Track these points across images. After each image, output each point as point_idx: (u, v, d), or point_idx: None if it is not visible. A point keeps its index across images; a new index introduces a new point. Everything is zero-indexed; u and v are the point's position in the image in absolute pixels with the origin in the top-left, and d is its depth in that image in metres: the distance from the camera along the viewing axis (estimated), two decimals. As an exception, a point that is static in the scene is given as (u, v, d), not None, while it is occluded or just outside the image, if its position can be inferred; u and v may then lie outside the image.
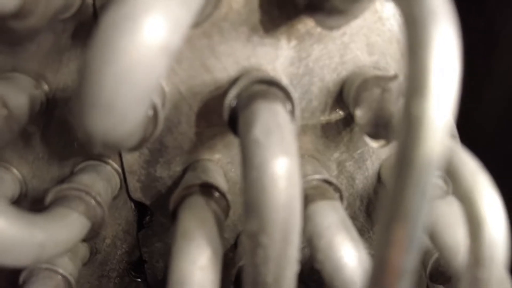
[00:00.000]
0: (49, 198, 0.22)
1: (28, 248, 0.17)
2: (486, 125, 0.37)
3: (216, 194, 0.22)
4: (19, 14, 0.16)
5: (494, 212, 0.14)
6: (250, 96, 0.18)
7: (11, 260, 0.17)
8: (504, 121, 0.36)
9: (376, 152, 0.25)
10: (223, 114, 0.19)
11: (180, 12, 0.13)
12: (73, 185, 0.22)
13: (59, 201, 0.21)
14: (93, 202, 0.22)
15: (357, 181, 0.26)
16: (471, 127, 0.26)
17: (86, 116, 0.13)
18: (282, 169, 0.16)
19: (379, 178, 0.26)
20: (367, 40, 0.23)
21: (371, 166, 0.26)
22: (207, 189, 0.22)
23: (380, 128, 0.19)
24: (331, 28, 0.19)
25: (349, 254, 0.19)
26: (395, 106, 0.19)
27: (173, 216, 0.22)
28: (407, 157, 0.10)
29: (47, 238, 0.18)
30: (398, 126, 0.10)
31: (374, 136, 0.20)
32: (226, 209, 0.22)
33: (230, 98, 0.19)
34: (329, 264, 0.19)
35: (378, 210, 0.28)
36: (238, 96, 0.19)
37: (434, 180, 0.10)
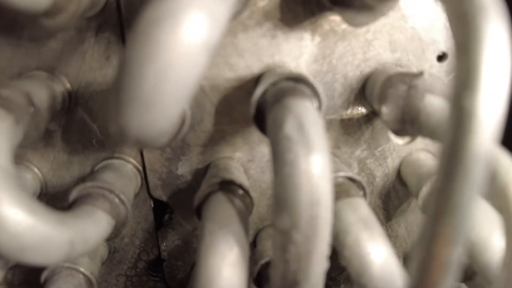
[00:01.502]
0: (72, 196, 0.22)
1: (58, 245, 0.17)
2: None
3: (240, 191, 0.22)
4: (51, 11, 0.16)
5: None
6: (279, 93, 0.18)
7: (42, 258, 0.17)
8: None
9: (397, 150, 0.25)
10: (250, 110, 0.19)
11: (219, 8, 0.13)
12: (97, 183, 0.22)
13: (83, 199, 0.21)
14: (117, 200, 0.22)
15: (377, 179, 0.26)
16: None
17: (123, 112, 0.13)
18: (315, 165, 0.16)
19: (399, 175, 0.26)
20: (390, 38, 0.23)
21: (392, 163, 0.26)
22: (231, 186, 0.22)
23: (406, 124, 0.19)
24: (359, 25, 0.19)
25: (376, 251, 0.19)
26: (422, 102, 0.19)
27: (197, 214, 0.22)
28: (456, 150, 0.10)
29: (76, 236, 0.18)
30: (447, 119, 0.10)
31: (400, 132, 0.20)
32: (250, 206, 0.22)
33: (258, 95, 0.19)
34: (356, 261, 0.19)
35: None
36: (265, 93, 0.19)
37: (483, 174, 0.10)
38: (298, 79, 0.19)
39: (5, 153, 0.17)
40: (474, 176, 0.10)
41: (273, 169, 0.16)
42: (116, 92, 0.13)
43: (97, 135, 0.24)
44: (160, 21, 0.12)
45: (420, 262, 0.11)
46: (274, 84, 0.19)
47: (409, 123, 0.19)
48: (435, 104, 0.18)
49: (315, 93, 0.19)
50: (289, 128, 0.16)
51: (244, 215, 0.21)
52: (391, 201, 0.27)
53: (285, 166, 0.16)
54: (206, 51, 0.13)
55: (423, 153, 0.26)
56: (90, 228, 0.20)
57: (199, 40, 0.13)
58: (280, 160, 0.16)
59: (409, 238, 0.29)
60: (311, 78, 0.19)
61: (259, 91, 0.19)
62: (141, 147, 0.23)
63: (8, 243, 0.16)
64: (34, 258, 0.17)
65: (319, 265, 0.17)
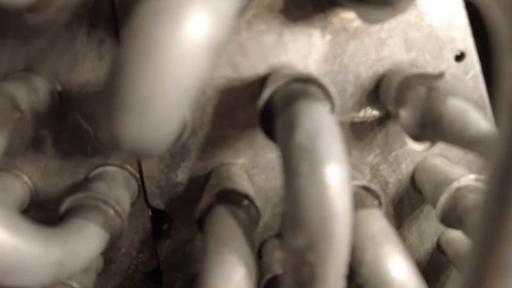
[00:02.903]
0: (63, 207, 0.20)
1: (45, 267, 0.16)
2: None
3: (245, 202, 0.20)
4: (36, 6, 0.14)
5: None
6: (288, 96, 0.16)
7: (27, 280, 0.15)
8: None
9: (412, 155, 0.24)
10: (256, 114, 0.18)
11: (223, 4, 0.12)
12: (89, 194, 0.20)
13: (75, 211, 0.20)
14: (111, 212, 0.20)
15: (390, 185, 0.25)
16: None
17: (116, 118, 0.12)
18: (332, 177, 0.14)
19: (413, 182, 0.25)
20: (405, 36, 0.21)
21: (406, 169, 0.24)
22: (235, 196, 0.20)
23: (427, 129, 0.18)
24: (375, 22, 0.18)
25: (397, 267, 0.18)
26: (444, 105, 0.17)
27: (199, 225, 0.21)
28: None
29: (65, 255, 0.17)
30: (498, 131, 0.09)
31: (419, 138, 0.19)
32: (256, 218, 0.21)
33: (265, 98, 0.17)
34: (375, 279, 0.18)
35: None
36: (273, 96, 0.17)
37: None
38: (308, 80, 0.17)
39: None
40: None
41: (284, 181, 0.15)
42: (108, 96, 0.12)
43: (91, 141, 0.22)
44: (159, 15, 0.11)
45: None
46: (282, 86, 0.17)
47: (430, 128, 0.18)
48: (460, 107, 0.17)
49: (327, 96, 0.17)
50: (302, 136, 0.14)
51: (250, 229, 0.19)
52: (404, 208, 0.26)
53: (299, 178, 0.14)
54: (209, 50, 0.11)
55: (439, 158, 0.24)
56: (81, 245, 0.18)
57: (202, 38, 0.11)
58: (292, 172, 0.14)
59: (422, 247, 0.27)
60: (323, 79, 0.17)
61: (266, 93, 0.17)
62: (137, 157, 0.21)
63: (-11, 265, 0.14)
64: (18, 281, 0.15)
65: (336, 287, 0.15)
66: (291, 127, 0.15)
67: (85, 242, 0.18)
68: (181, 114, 0.12)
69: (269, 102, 0.18)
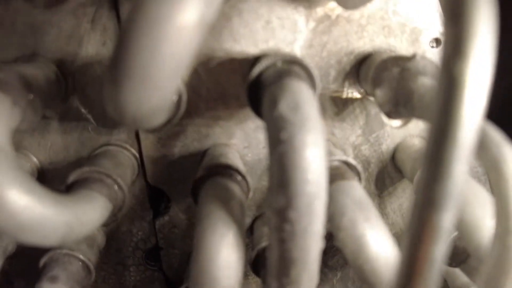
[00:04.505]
0: (70, 179, 0.22)
1: (56, 226, 0.17)
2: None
3: (238, 176, 0.22)
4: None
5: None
6: (275, 74, 0.18)
7: (40, 238, 0.17)
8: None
9: (392, 136, 0.26)
10: (245, 92, 0.20)
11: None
12: (94, 168, 0.22)
13: (81, 183, 0.21)
14: (114, 185, 0.22)
15: (372, 165, 0.26)
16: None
17: (120, 86, 0.14)
18: (310, 144, 0.16)
19: (393, 161, 0.27)
20: (383, 23, 0.23)
21: (386, 149, 0.26)
22: (228, 171, 0.22)
23: (400, 106, 0.20)
24: (353, 7, 0.20)
25: (372, 232, 0.19)
26: (414, 84, 0.19)
27: (194, 198, 0.22)
28: (446, 119, 0.11)
29: (74, 218, 0.18)
30: (437, 88, 0.11)
31: (393, 115, 0.21)
32: (247, 191, 0.23)
33: (253, 76, 0.19)
34: (352, 242, 0.20)
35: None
36: (261, 75, 0.19)
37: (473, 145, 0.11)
38: (293, 62, 0.19)
39: (3, 134, 0.17)
40: (464, 148, 0.11)
41: (268, 149, 0.17)
42: (113, 68, 0.14)
43: (94, 122, 0.24)
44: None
45: (405, 256, 0.11)
46: (269, 66, 0.19)
47: (403, 105, 0.20)
48: (428, 85, 0.19)
49: (309, 76, 0.19)
50: (284, 107, 0.16)
51: (241, 199, 0.21)
52: (385, 187, 0.28)
53: (280, 144, 0.16)
54: (200, 27, 0.13)
55: (417, 139, 0.26)
56: (88, 211, 0.20)
57: (195, 17, 0.13)
58: (275, 139, 0.16)
59: (403, 223, 0.29)
60: (305, 61, 0.19)
61: (254, 72, 0.19)
62: (138, 127, 0.23)
63: (6, 221, 0.16)
64: (32, 238, 0.17)
65: (315, 244, 0.17)
66: (275, 99, 0.17)
67: (91, 209, 0.20)
68: (175, 83, 0.14)
69: (257, 80, 0.19)
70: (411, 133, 0.26)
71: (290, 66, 0.19)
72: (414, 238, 0.11)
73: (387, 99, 0.20)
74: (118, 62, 0.13)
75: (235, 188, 0.21)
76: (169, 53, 0.13)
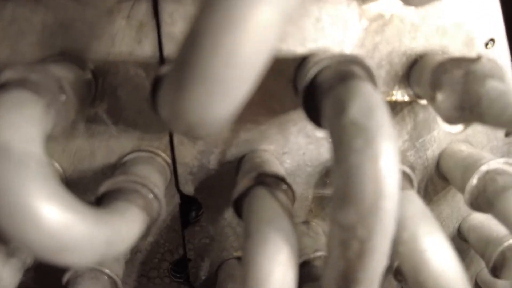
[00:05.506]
0: (102, 189, 0.20)
1: (95, 245, 0.16)
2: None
3: (283, 185, 0.20)
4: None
5: None
6: (337, 75, 0.17)
7: (77, 259, 0.15)
8: None
9: (438, 141, 0.24)
10: (300, 95, 0.18)
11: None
12: (129, 177, 0.20)
13: (115, 194, 0.20)
14: (150, 195, 0.20)
15: (416, 171, 0.25)
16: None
17: (186, 91, 0.12)
18: (386, 154, 0.14)
19: (437, 168, 0.25)
20: (438, 23, 0.21)
21: (432, 155, 0.25)
22: (273, 180, 0.20)
23: (465, 111, 0.18)
24: (417, 4, 0.18)
25: (434, 246, 0.18)
26: (483, 88, 0.18)
27: (235, 209, 0.21)
28: None
29: (113, 235, 0.17)
30: None
31: (455, 120, 0.19)
32: (293, 200, 0.21)
33: (309, 78, 0.18)
34: (413, 258, 0.18)
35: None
36: (317, 77, 0.18)
37: None
38: (354, 61, 0.17)
39: (38, 141, 0.15)
40: None
41: (335, 158, 0.15)
42: (179, 70, 0.12)
43: (126, 124, 0.22)
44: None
45: None
46: (327, 67, 0.18)
47: (468, 110, 0.18)
48: (499, 88, 0.17)
49: (370, 76, 0.18)
50: (356, 112, 0.15)
51: (290, 210, 0.20)
52: (428, 194, 0.26)
53: (352, 154, 0.14)
54: (281, 23, 0.12)
55: (464, 144, 0.25)
56: (126, 226, 0.18)
57: (275, 12, 0.11)
58: (345, 148, 0.15)
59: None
60: (368, 61, 0.17)
61: (310, 74, 0.18)
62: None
63: (43, 243, 0.14)
64: (68, 259, 0.15)
65: (381, 263, 0.16)
66: (343, 104, 0.15)
67: (129, 223, 0.18)
68: (249, 88, 0.12)
69: (313, 83, 0.18)
70: (457, 138, 0.25)
71: (350, 67, 0.17)
72: None
73: (450, 103, 0.19)
74: (186, 64, 0.12)
75: (283, 199, 0.20)
76: (247, 54, 0.11)
